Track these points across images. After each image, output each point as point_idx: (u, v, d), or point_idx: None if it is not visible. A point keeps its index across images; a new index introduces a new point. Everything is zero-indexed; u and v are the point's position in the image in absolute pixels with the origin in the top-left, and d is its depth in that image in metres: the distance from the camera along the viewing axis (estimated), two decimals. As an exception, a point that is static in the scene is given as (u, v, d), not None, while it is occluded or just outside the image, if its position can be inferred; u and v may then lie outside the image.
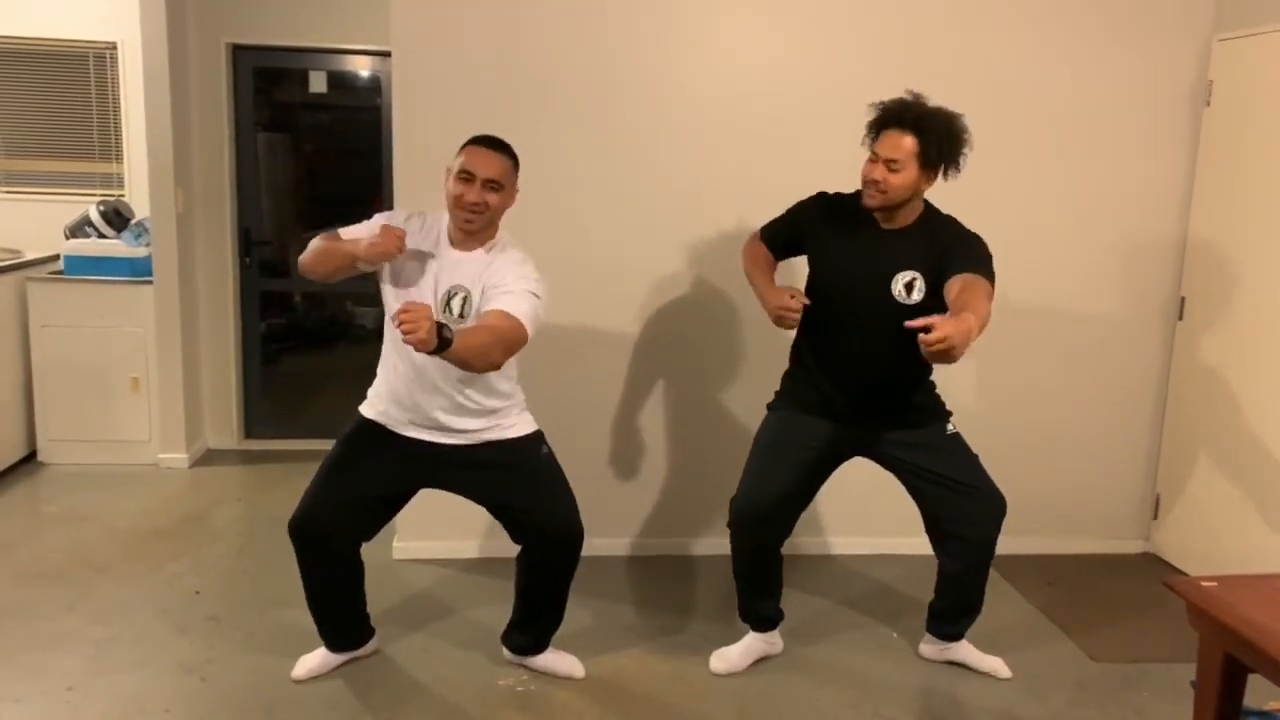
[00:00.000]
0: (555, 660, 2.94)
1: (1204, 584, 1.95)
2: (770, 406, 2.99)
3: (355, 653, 2.94)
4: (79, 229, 4.75)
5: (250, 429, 5.13)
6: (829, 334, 2.78)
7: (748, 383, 3.75)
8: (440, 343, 2.17)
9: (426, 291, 2.57)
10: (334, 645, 2.90)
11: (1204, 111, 3.74)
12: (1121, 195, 3.78)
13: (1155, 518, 4.01)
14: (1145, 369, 3.93)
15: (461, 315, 2.55)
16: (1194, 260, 3.80)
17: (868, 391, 2.80)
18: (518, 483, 2.73)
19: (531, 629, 2.92)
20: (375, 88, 4.97)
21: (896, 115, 2.62)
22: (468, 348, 2.27)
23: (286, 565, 3.50)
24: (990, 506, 2.82)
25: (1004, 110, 3.68)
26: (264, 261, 5.10)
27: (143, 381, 4.70)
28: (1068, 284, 3.81)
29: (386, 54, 3.98)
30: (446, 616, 3.28)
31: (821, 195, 2.87)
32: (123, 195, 5.14)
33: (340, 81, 5.08)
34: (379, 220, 2.63)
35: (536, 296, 2.49)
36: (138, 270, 4.67)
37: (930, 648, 3.11)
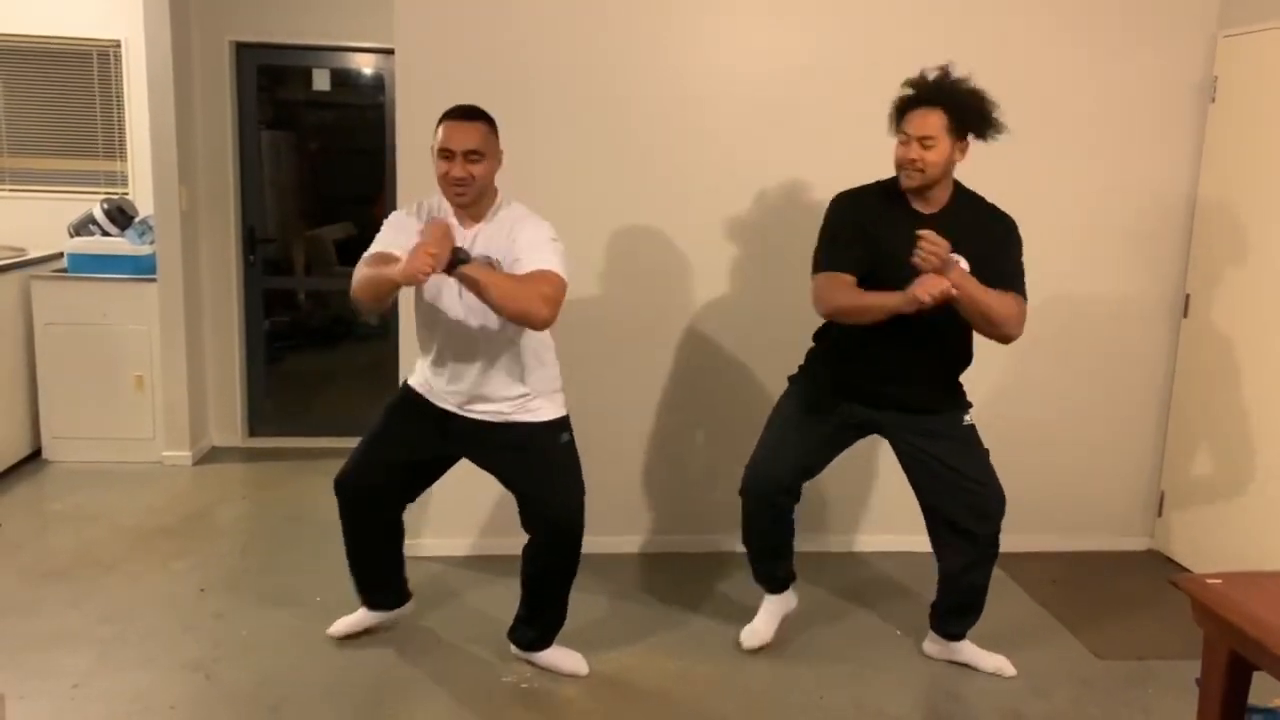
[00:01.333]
0: (559, 657, 2.94)
1: (1209, 581, 1.94)
2: (792, 379, 2.99)
3: (391, 613, 3.07)
4: (83, 227, 4.75)
5: (254, 427, 5.13)
6: (881, 323, 2.64)
7: (755, 379, 3.74)
8: (452, 261, 2.31)
9: None
10: (372, 604, 3.03)
11: (1209, 108, 3.73)
12: (1126, 191, 3.77)
13: (1160, 515, 4.00)
14: (1150, 365, 3.92)
15: None
16: (1199, 257, 3.79)
17: (904, 377, 2.77)
18: (531, 467, 2.77)
19: (536, 623, 2.93)
20: (379, 85, 4.97)
21: (921, 93, 2.62)
22: (495, 285, 2.36)
23: (291, 563, 3.53)
24: (991, 506, 2.81)
25: (1008, 107, 3.61)
26: (268, 259, 5.10)
27: (147, 379, 4.70)
28: (1072, 280, 3.80)
29: (390, 51, 3.99)
30: (451, 614, 3.28)
31: (843, 196, 2.79)
32: (126, 193, 5.14)
33: (344, 79, 5.08)
34: (396, 221, 2.64)
35: (555, 240, 2.57)
36: (141, 268, 4.67)
37: (934, 646, 3.11)
